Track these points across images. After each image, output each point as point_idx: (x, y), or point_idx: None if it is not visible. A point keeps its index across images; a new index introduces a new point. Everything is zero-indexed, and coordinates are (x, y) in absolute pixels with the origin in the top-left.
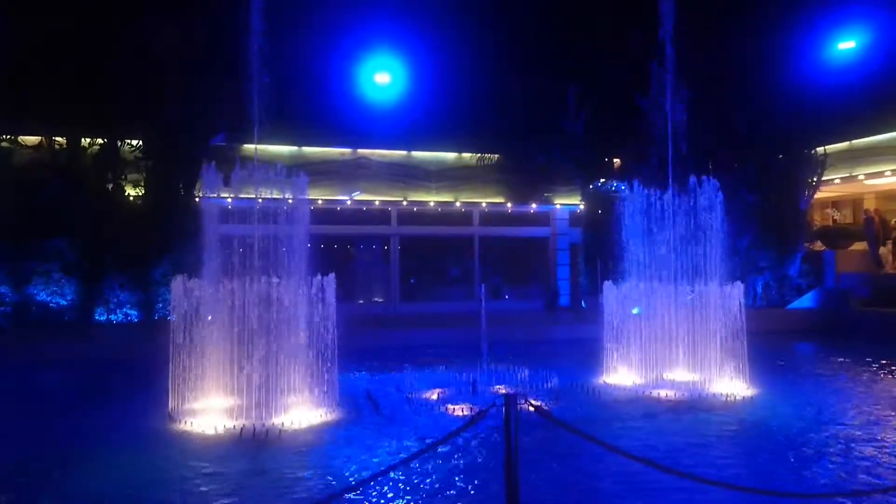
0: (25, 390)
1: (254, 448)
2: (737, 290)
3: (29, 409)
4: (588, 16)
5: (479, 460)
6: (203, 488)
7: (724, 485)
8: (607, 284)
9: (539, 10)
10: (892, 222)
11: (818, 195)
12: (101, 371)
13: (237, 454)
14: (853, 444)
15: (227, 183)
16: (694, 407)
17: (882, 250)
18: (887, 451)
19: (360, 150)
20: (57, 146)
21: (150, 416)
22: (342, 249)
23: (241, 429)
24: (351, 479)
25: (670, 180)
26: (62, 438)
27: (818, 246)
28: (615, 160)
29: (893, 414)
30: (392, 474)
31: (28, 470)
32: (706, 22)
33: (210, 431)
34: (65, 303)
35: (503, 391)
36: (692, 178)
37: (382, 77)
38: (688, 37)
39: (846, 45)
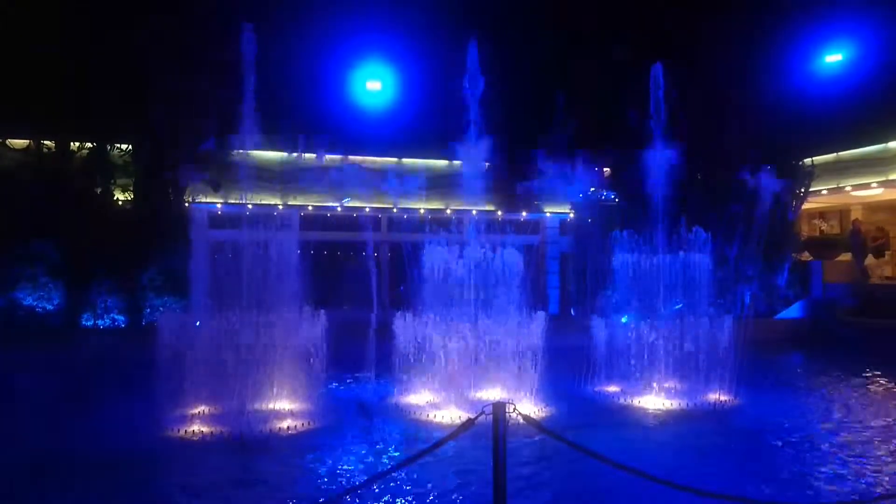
0: (8, 396)
1: (243, 455)
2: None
3: (10, 415)
4: (577, 24)
5: (468, 466)
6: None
7: (708, 493)
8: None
9: (528, 19)
10: (872, 234)
11: (806, 206)
12: (87, 376)
13: (226, 461)
14: (841, 454)
15: (216, 188)
16: (682, 415)
17: (868, 261)
18: (871, 461)
19: (351, 157)
20: (45, 150)
21: (137, 423)
22: (332, 255)
23: (230, 435)
24: (342, 483)
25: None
26: (48, 446)
27: (805, 256)
28: (605, 169)
29: (878, 424)
30: (379, 482)
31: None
32: (695, 34)
33: (198, 438)
34: (51, 307)
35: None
36: None
37: (374, 84)
38: (676, 48)
39: (833, 57)
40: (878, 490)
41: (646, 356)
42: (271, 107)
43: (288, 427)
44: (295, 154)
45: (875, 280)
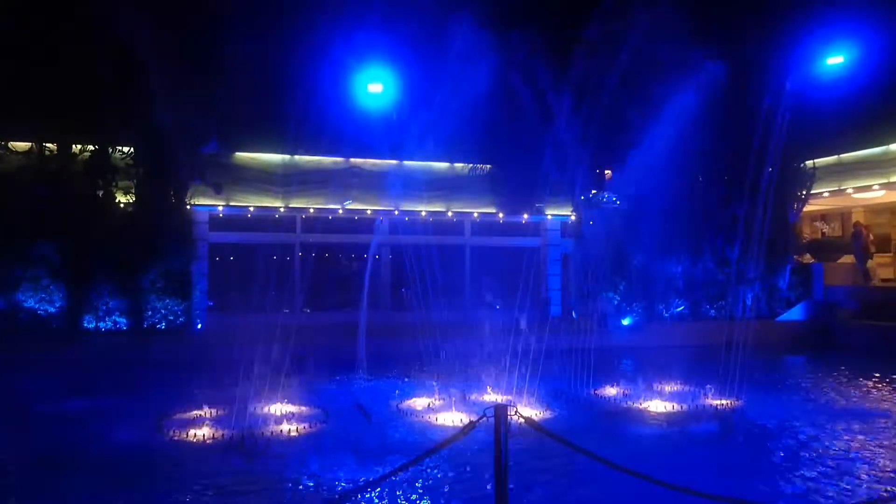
0: (9, 397)
1: (244, 457)
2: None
3: (10, 416)
4: (579, 24)
5: (469, 469)
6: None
7: (708, 495)
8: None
9: (530, 21)
10: (870, 237)
11: (807, 208)
12: (88, 378)
13: (225, 464)
14: (841, 456)
15: (218, 191)
16: (684, 418)
17: (870, 263)
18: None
19: (353, 160)
20: (47, 152)
21: (137, 426)
22: (334, 258)
23: (230, 438)
24: (340, 488)
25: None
26: (43, 448)
27: (807, 258)
28: (606, 171)
29: (879, 426)
30: (380, 484)
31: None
32: (695, 35)
33: (198, 441)
34: (53, 309)
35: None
36: None
37: (375, 87)
38: (677, 51)
39: (835, 60)
40: (881, 492)
41: (647, 358)
42: (272, 109)
43: (290, 429)
44: (296, 156)
45: (876, 282)
